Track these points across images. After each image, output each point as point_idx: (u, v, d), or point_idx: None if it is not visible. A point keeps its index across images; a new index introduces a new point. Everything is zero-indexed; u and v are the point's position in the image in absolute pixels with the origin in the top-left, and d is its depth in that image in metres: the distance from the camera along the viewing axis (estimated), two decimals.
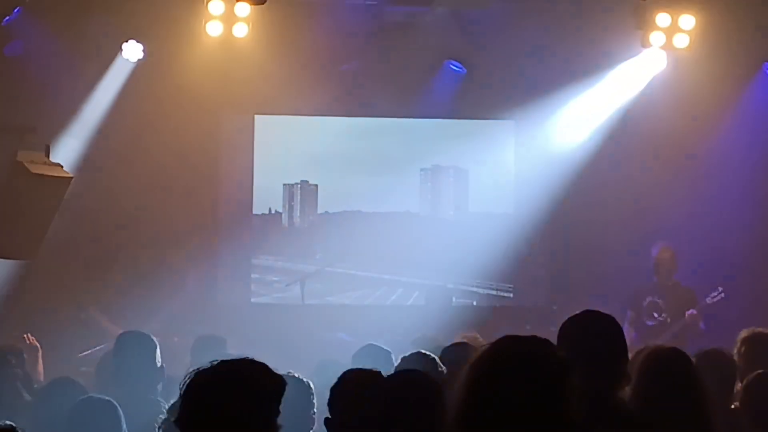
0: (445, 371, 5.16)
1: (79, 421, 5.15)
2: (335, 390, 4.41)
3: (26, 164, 8.99)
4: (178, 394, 3.31)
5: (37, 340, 8.30)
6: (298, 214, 11.85)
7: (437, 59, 11.24)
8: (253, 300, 11.66)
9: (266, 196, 11.79)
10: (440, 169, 11.95)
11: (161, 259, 10.84)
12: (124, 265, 10.52)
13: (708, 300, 9.77)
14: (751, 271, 10.81)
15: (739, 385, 5.61)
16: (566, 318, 4.04)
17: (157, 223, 11.01)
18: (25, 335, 8.30)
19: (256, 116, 11.77)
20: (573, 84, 11.20)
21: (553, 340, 3.98)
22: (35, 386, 6.54)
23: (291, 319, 10.90)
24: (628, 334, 9.86)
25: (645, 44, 10.09)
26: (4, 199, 8.93)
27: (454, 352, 5.62)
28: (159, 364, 6.02)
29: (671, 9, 9.92)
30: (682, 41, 10.02)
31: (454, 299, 11.20)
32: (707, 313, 9.90)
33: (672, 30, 10.00)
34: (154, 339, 6.10)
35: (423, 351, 5.51)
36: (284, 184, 11.79)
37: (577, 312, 4.07)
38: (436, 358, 5.33)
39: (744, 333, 6.38)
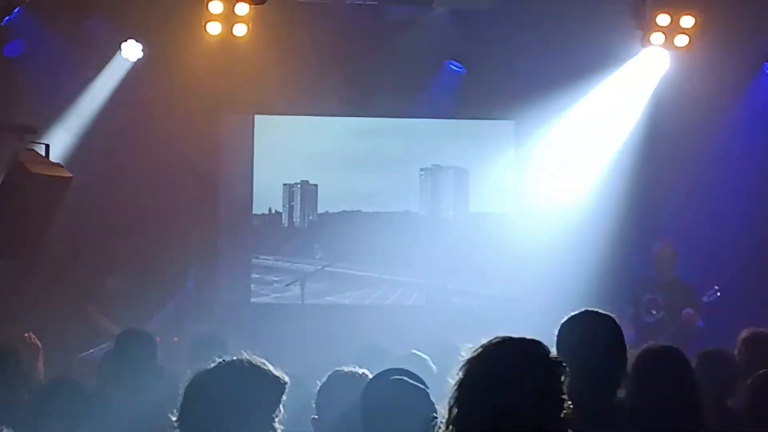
0: (435, 370, 5.20)
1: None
2: (321, 390, 4.43)
3: (26, 164, 8.99)
4: (177, 394, 3.30)
5: (38, 340, 8.30)
6: (298, 214, 11.85)
7: (437, 59, 11.24)
8: (253, 300, 11.67)
9: (266, 196, 11.79)
10: (440, 169, 11.95)
11: (161, 258, 10.83)
12: (124, 265, 10.50)
13: (704, 299, 9.77)
14: (752, 271, 10.81)
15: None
16: (566, 318, 4.03)
17: (157, 223, 11.01)
18: (26, 334, 8.29)
19: (256, 116, 11.77)
20: (573, 84, 11.19)
21: (553, 339, 4.00)
22: (35, 386, 6.53)
23: (291, 319, 10.90)
24: (628, 330, 9.89)
25: (645, 44, 10.08)
26: (4, 199, 8.92)
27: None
28: (159, 364, 6.03)
29: (671, 9, 9.91)
30: (682, 41, 10.02)
31: (454, 299, 11.19)
32: (706, 312, 9.89)
33: (672, 30, 10.00)
34: (154, 338, 6.10)
35: (416, 352, 5.56)
36: (284, 184, 11.79)
37: (577, 312, 4.06)
38: (428, 359, 5.39)
39: (744, 333, 6.38)
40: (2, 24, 9.78)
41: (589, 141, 11.52)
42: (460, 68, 11.27)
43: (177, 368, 6.60)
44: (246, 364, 3.21)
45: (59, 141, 10.07)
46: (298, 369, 5.43)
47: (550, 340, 4.36)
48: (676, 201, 11.22)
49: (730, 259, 10.78)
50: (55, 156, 9.41)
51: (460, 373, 2.90)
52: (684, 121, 11.08)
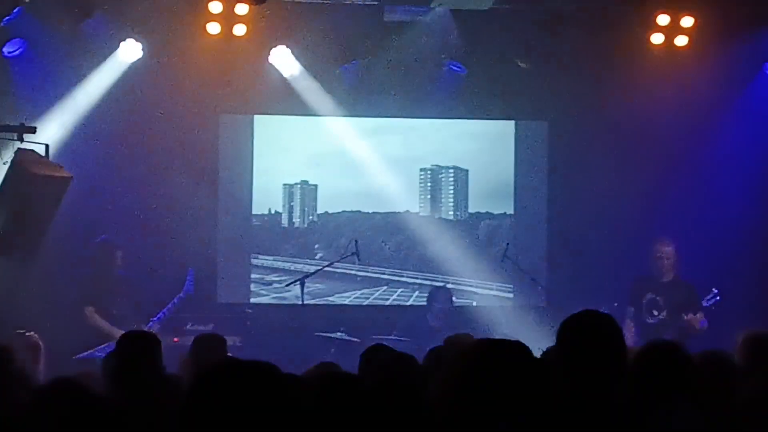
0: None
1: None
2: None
3: (26, 164, 8.99)
4: (178, 395, 3.29)
5: (39, 340, 8.29)
6: (298, 214, 11.85)
7: (437, 59, 11.23)
8: (252, 300, 11.67)
9: (266, 196, 11.79)
10: (440, 169, 11.96)
11: (161, 258, 10.83)
12: (123, 265, 10.50)
13: (704, 303, 9.75)
14: (752, 271, 10.80)
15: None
16: (566, 318, 4.03)
17: (157, 223, 11.00)
18: (27, 334, 8.29)
19: (255, 116, 11.77)
20: (572, 84, 11.19)
21: (554, 340, 4.00)
22: (33, 386, 6.52)
23: (291, 319, 10.89)
24: (629, 329, 9.89)
25: (645, 44, 10.08)
26: (4, 199, 8.92)
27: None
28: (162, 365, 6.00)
29: (671, 9, 9.92)
30: (682, 41, 10.02)
31: (453, 299, 11.19)
32: (706, 313, 9.88)
33: (672, 30, 10.00)
34: (158, 339, 6.06)
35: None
36: (284, 184, 11.79)
37: (576, 312, 4.06)
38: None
39: (744, 334, 6.37)
40: (2, 24, 9.78)
41: (589, 141, 11.52)
42: (460, 68, 11.27)
43: (176, 368, 6.60)
44: (255, 367, 3.18)
45: (58, 140, 10.07)
46: (298, 369, 5.41)
47: (550, 340, 4.37)
48: (676, 200, 11.21)
49: (730, 259, 10.78)
50: (55, 156, 9.41)
51: (444, 374, 2.90)
52: (684, 121, 11.08)
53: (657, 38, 10.00)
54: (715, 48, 10.31)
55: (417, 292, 11.52)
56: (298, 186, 11.83)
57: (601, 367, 3.88)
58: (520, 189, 11.92)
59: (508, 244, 10.96)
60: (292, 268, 11.68)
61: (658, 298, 10.05)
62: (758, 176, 11.05)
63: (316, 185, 11.83)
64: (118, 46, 10.56)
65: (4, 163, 9.08)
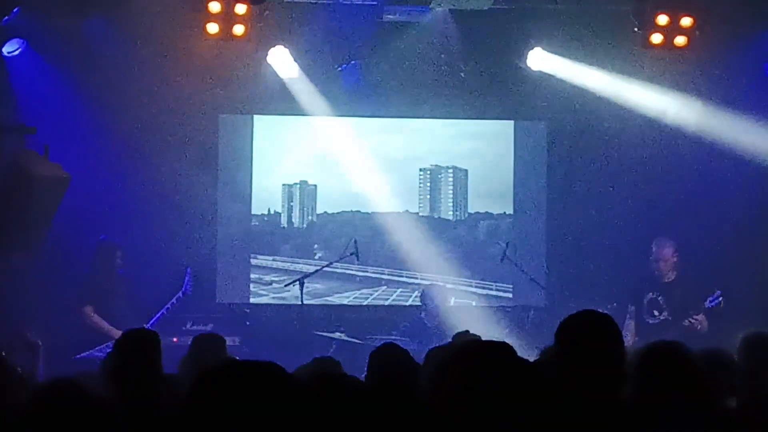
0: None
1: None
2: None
3: (26, 164, 8.99)
4: (178, 395, 3.28)
5: (38, 340, 8.28)
6: (298, 214, 11.85)
7: (437, 59, 11.23)
8: (252, 300, 11.66)
9: (265, 196, 11.79)
10: (440, 169, 11.95)
11: (160, 258, 10.82)
12: (122, 265, 10.50)
13: (707, 304, 9.71)
14: (752, 271, 10.79)
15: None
16: (565, 318, 4.03)
17: (157, 223, 11.00)
18: (27, 333, 8.28)
19: (255, 116, 11.77)
20: (572, 84, 11.19)
21: (552, 339, 3.99)
22: (32, 386, 6.51)
23: (290, 319, 10.89)
24: (630, 328, 9.88)
25: (645, 44, 10.08)
26: (4, 199, 8.92)
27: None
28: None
29: (671, 9, 9.91)
30: (681, 41, 10.01)
31: (453, 299, 11.20)
32: (706, 314, 9.87)
33: (672, 30, 10.00)
34: (159, 338, 6.05)
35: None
36: (283, 185, 11.79)
37: (575, 312, 4.05)
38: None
39: (744, 333, 6.37)
40: (1, 24, 9.78)
41: (588, 141, 11.52)
42: (460, 68, 11.26)
43: (175, 368, 6.59)
44: (255, 366, 3.17)
45: (58, 140, 10.06)
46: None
47: (549, 339, 4.36)
48: (675, 200, 11.22)
49: (731, 259, 10.77)
50: (55, 156, 9.41)
51: (433, 376, 2.90)
52: (684, 121, 11.08)
53: (657, 38, 9.99)
54: (715, 48, 10.30)
55: (416, 292, 11.51)
56: (298, 186, 11.83)
57: (599, 368, 3.88)
58: (520, 189, 11.92)
59: (507, 244, 10.96)
60: (292, 268, 11.68)
61: (659, 298, 10.03)
62: (758, 176, 11.04)
63: (315, 185, 11.83)
64: (117, 46, 10.54)
65: (4, 163, 9.08)
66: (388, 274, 11.80)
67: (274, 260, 11.79)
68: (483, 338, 7.37)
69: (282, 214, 11.84)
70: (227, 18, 9.75)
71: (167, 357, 6.10)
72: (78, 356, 9.45)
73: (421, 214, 11.93)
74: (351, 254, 10.70)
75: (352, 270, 11.62)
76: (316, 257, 11.74)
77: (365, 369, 7.95)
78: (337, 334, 10.34)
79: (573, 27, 10.69)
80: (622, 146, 11.41)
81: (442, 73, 11.33)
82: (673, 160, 11.26)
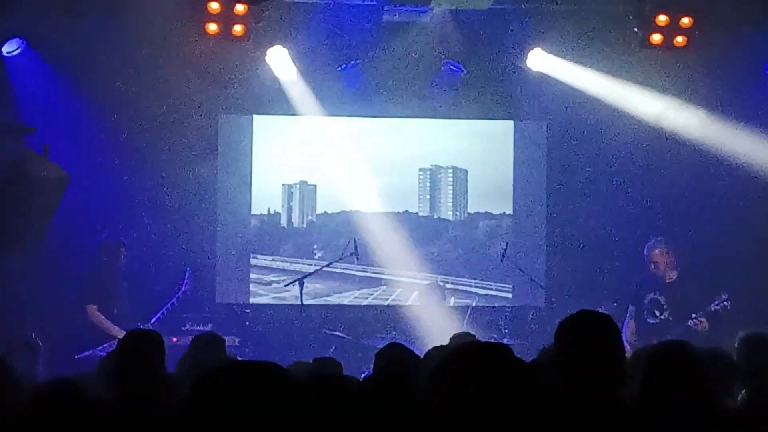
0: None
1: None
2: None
3: (26, 164, 8.99)
4: (175, 395, 3.28)
5: (38, 340, 8.28)
6: (297, 214, 11.85)
7: (437, 59, 11.23)
8: (252, 300, 11.66)
9: (265, 196, 11.79)
10: (439, 169, 11.96)
11: (159, 258, 10.83)
12: (108, 267, 10.47)
13: (712, 307, 9.65)
14: (752, 271, 10.79)
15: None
16: (564, 318, 4.03)
17: (156, 223, 11.00)
18: (27, 333, 8.28)
19: (254, 116, 11.77)
20: (573, 82, 11.19)
21: (551, 339, 4.00)
22: (32, 387, 6.50)
23: (290, 319, 10.90)
24: (630, 329, 9.87)
25: (645, 44, 10.08)
26: (4, 199, 8.92)
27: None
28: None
29: (671, 9, 9.91)
30: (681, 41, 10.02)
31: (453, 299, 11.20)
32: (709, 317, 9.85)
33: (671, 30, 10.00)
34: (163, 339, 6.03)
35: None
36: (283, 185, 11.79)
37: (574, 312, 4.05)
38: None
39: (743, 333, 6.37)
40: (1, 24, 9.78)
41: (588, 141, 11.52)
42: (460, 68, 11.27)
43: (175, 369, 6.59)
44: (256, 367, 3.17)
45: (58, 140, 10.06)
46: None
47: (548, 339, 4.37)
48: (675, 200, 11.22)
49: (730, 259, 10.78)
50: (55, 156, 9.41)
51: (431, 377, 2.90)
52: (683, 121, 11.09)
53: (657, 38, 10.00)
54: (715, 48, 10.31)
55: (416, 293, 11.51)
56: (297, 186, 11.83)
57: (599, 368, 3.88)
58: (519, 189, 11.92)
59: (507, 243, 10.97)
60: (291, 268, 11.68)
61: (660, 298, 10.02)
62: (758, 176, 11.04)
63: (315, 185, 11.83)
64: (117, 45, 10.54)
65: (3, 164, 9.08)
66: (388, 274, 11.80)
67: (273, 260, 11.79)
68: (482, 338, 7.38)
69: (282, 214, 11.84)
70: (227, 18, 9.75)
71: (167, 357, 6.10)
72: (80, 356, 9.44)
73: (420, 214, 11.93)
74: (351, 254, 10.70)
75: (351, 270, 11.62)
76: (316, 257, 11.74)
77: (364, 369, 7.97)
78: (337, 334, 10.34)
79: (573, 27, 10.69)
80: (622, 146, 11.40)
81: (442, 73, 11.33)
82: (673, 160, 11.26)
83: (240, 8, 9.69)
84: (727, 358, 5.71)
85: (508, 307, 11.51)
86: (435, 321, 10.45)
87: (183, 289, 10.36)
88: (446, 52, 11.14)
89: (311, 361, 6.19)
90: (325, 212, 11.84)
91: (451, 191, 11.96)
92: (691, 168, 11.13)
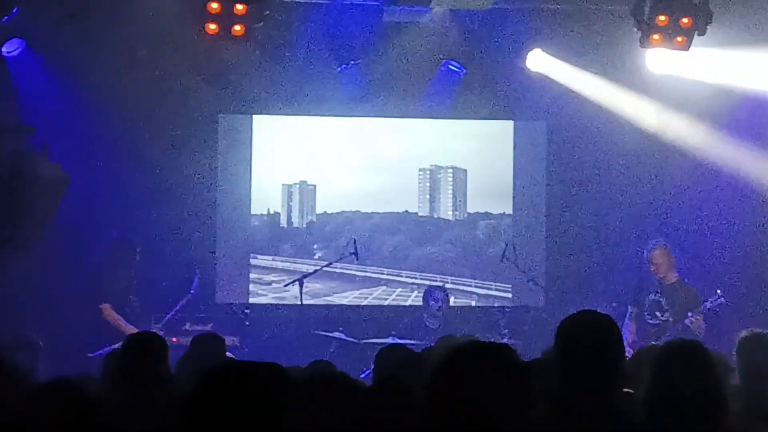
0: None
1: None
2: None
3: (25, 164, 8.99)
4: (175, 395, 3.28)
5: (39, 339, 8.28)
6: (297, 214, 11.85)
7: (437, 59, 11.23)
8: (251, 300, 11.66)
9: (265, 196, 11.79)
10: (439, 169, 11.96)
11: (160, 258, 10.83)
12: (122, 265, 10.49)
13: (708, 304, 9.69)
14: (752, 271, 10.80)
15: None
16: (565, 318, 4.03)
17: (156, 223, 11.00)
18: (27, 333, 8.28)
19: (254, 116, 11.77)
20: (572, 84, 11.20)
21: (552, 340, 4.00)
22: (30, 386, 6.49)
23: (290, 319, 10.90)
24: (630, 329, 9.88)
25: (645, 44, 10.08)
26: (4, 199, 8.92)
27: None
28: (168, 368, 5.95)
29: (671, 9, 9.91)
30: (681, 41, 10.01)
31: (453, 299, 11.20)
32: (707, 315, 9.86)
33: (671, 30, 9.99)
34: (165, 342, 6.02)
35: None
36: (283, 185, 11.79)
37: (574, 312, 4.05)
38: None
39: (743, 334, 6.37)
40: (1, 24, 9.77)
41: (587, 141, 11.53)
42: (460, 68, 11.27)
43: (176, 369, 6.59)
44: (256, 367, 3.17)
45: (58, 140, 10.06)
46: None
47: (548, 339, 4.37)
48: (675, 200, 11.22)
49: (730, 260, 10.78)
50: (55, 156, 9.41)
51: (430, 383, 2.89)
52: (683, 121, 11.09)
53: (657, 38, 9.99)
54: (715, 48, 10.30)
55: (415, 292, 11.52)
56: (297, 186, 11.83)
57: (599, 368, 3.87)
58: (519, 189, 11.92)
59: (507, 244, 10.97)
60: (291, 268, 11.68)
61: (661, 299, 10.02)
62: (757, 176, 11.04)
63: (314, 185, 11.83)
64: (117, 45, 10.54)
65: (3, 163, 9.08)
66: (388, 274, 11.80)
67: (273, 260, 11.80)
68: (482, 338, 7.38)
69: (281, 214, 11.85)
70: (227, 18, 9.73)
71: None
72: (94, 354, 9.38)
73: (420, 214, 11.93)
74: (350, 254, 10.71)
75: (351, 270, 11.62)
76: (316, 257, 11.74)
77: (363, 369, 7.97)
78: (336, 334, 10.35)
79: (573, 27, 10.69)
80: (622, 146, 11.41)
81: (442, 74, 11.33)
82: (673, 160, 11.26)
83: (240, 8, 9.68)
84: (724, 359, 5.70)
85: (508, 307, 11.50)
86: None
87: (192, 293, 10.38)
88: (446, 52, 11.14)
89: (309, 362, 6.18)
90: (325, 212, 11.84)
91: (450, 191, 11.96)
92: (691, 168, 11.13)
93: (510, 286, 11.76)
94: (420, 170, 11.95)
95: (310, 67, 11.09)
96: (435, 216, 11.95)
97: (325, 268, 11.11)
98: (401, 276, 11.82)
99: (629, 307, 10.13)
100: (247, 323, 10.77)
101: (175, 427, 3.27)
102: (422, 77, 11.38)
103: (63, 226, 9.62)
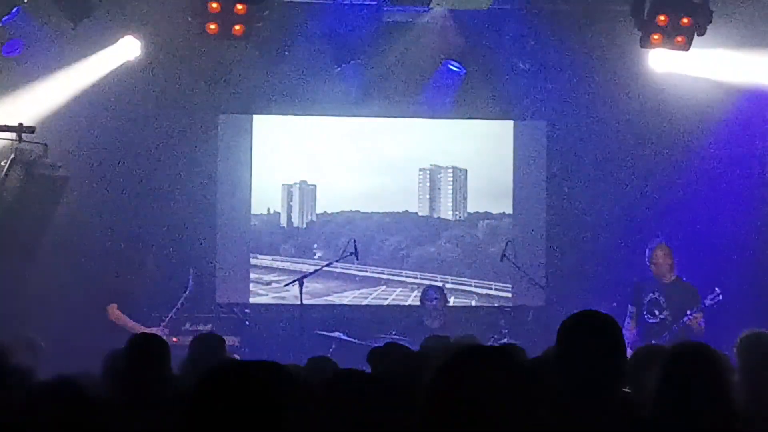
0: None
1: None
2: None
3: (25, 164, 8.99)
4: (175, 395, 3.28)
5: (39, 340, 8.28)
6: (297, 213, 11.85)
7: (437, 59, 11.24)
8: (252, 300, 11.66)
9: (265, 196, 11.79)
10: (439, 169, 11.96)
11: (160, 259, 10.82)
12: (122, 265, 10.48)
13: (706, 302, 9.72)
14: (752, 271, 10.80)
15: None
16: (565, 318, 4.03)
17: (156, 223, 11.00)
18: (27, 333, 8.28)
19: (254, 116, 11.77)
20: (572, 83, 11.20)
21: (552, 339, 4.00)
22: (30, 385, 6.49)
23: (290, 319, 10.90)
24: (630, 329, 9.88)
25: (645, 44, 10.08)
26: (4, 199, 8.92)
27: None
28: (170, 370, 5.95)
29: (671, 9, 9.91)
30: (681, 41, 10.01)
31: (452, 299, 11.20)
32: (706, 313, 9.87)
33: (671, 30, 10.00)
34: (167, 344, 6.02)
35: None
36: (283, 184, 11.79)
37: (576, 312, 4.05)
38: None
39: (743, 333, 6.37)
40: (0, 24, 9.77)
41: (587, 141, 11.53)
42: (460, 68, 11.27)
43: (175, 369, 6.59)
44: (258, 367, 3.16)
45: (58, 139, 10.05)
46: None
47: (548, 339, 4.37)
48: (675, 200, 11.22)
49: (730, 259, 10.78)
50: (55, 156, 9.40)
51: (430, 385, 2.88)
52: (683, 121, 11.09)
53: (657, 38, 9.99)
54: (715, 48, 10.31)
55: (415, 292, 11.52)
56: (297, 186, 11.83)
57: (601, 367, 3.87)
58: (519, 189, 11.92)
59: (506, 243, 10.97)
60: (291, 267, 11.69)
61: (660, 298, 10.03)
62: (757, 176, 11.05)
63: (315, 185, 11.83)
64: (116, 45, 10.55)
65: (3, 163, 9.07)
66: (388, 274, 11.81)
67: (273, 260, 11.80)
68: (482, 338, 7.38)
69: (282, 214, 11.85)
70: (227, 17, 9.74)
71: None
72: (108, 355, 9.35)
73: (420, 214, 11.94)
74: (350, 254, 10.71)
75: (351, 270, 11.63)
76: (316, 257, 11.74)
77: (364, 368, 7.95)
78: (336, 334, 10.35)
79: (573, 27, 10.69)
80: (622, 146, 11.41)
81: (442, 73, 11.33)
82: (673, 160, 11.26)
83: (240, 8, 9.68)
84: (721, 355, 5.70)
85: (508, 307, 11.51)
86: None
87: (188, 289, 10.37)
88: (446, 51, 11.14)
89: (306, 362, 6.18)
90: (325, 212, 11.85)
91: (450, 191, 11.96)
92: (691, 168, 11.13)
93: (510, 285, 11.76)
94: (420, 170, 11.95)
95: (310, 67, 11.09)
96: (435, 216, 11.95)
97: (325, 268, 11.12)
98: (401, 276, 11.82)
99: (629, 306, 10.14)
100: (247, 323, 10.78)
101: (175, 427, 3.26)
102: (422, 77, 11.39)
103: (63, 226, 9.62)
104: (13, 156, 9.05)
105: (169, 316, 10.18)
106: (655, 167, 11.42)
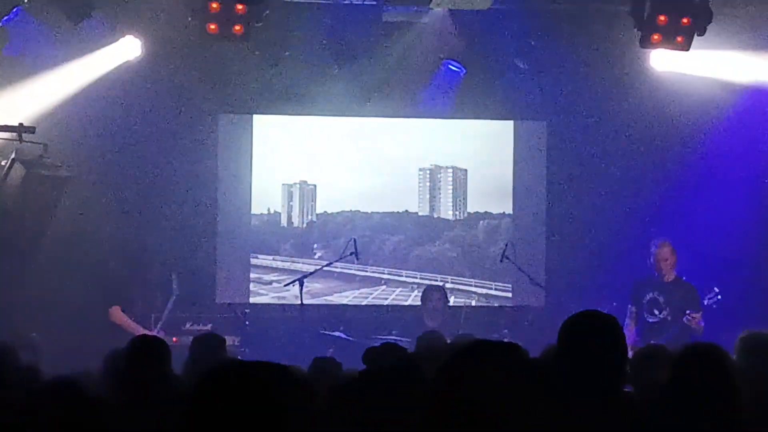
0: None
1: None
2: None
3: (25, 164, 9.00)
4: (175, 394, 3.28)
5: (39, 340, 8.29)
6: (297, 213, 11.86)
7: (437, 59, 11.24)
8: (252, 300, 11.67)
9: (265, 196, 11.79)
10: (439, 169, 11.96)
11: (160, 258, 10.82)
12: (122, 265, 10.47)
13: (705, 302, 9.73)
14: (752, 271, 10.80)
15: None
16: (566, 318, 4.03)
17: (156, 223, 11.00)
18: (28, 333, 8.29)
19: (254, 116, 11.77)
20: (572, 83, 11.20)
21: (552, 339, 4.00)
22: (32, 385, 6.49)
23: (290, 319, 10.90)
24: (630, 328, 9.88)
25: (645, 44, 10.08)
26: (4, 199, 8.92)
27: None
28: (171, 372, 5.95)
29: (671, 9, 9.91)
30: (681, 41, 10.01)
31: (452, 299, 11.20)
32: (707, 314, 9.87)
33: (671, 30, 10.00)
34: (168, 346, 6.02)
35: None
36: (283, 184, 11.80)
37: (577, 312, 4.05)
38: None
39: (743, 334, 6.37)
40: (0, 24, 9.77)
41: (587, 141, 11.53)
42: (460, 68, 11.27)
43: (175, 369, 6.58)
44: (259, 367, 3.16)
45: (58, 139, 10.05)
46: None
47: (548, 339, 4.37)
48: (675, 200, 11.22)
49: (730, 259, 10.78)
50: (54, 156, 9.41)
51: (435, 382, 2.88)
52: (683, 120, 11.10)
53: (657, 38, 9.99)
54: (715, 48, 10.31)
55: (415, 292, 11.52)
56: (297, 186, 11.83)
57: (602, 367, 3.87)
58: (519, 189, 11.92)
59: (506, 243, 10.97)
60: (291, 267, 11.69)
61: (659, 297, 10.03)
62: (757, 176, 11.05)
63: (315, 185, 11.84)
64: (116, 45, 10.55)
65: (3, 163, 9.08)
66: (388, 274, 11.81)
67: (273, 260, 11.80)
68: (480, 338, 7.35)
69: (282, 214, 11.85)
70: (227, 17, 9.74)
71: None
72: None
73: (420, 213, 11.94)
74: (350, 254, 10.71)
75: (351, 270, 11.63)
76: (316, 257, 11.75)
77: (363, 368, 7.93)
78: (337, 334, 10.35)
79: (573, 27, 10.69)
80: (622, 146, 11.41)
81: (442, 73, 11.33)
82: (673, 159, 11.27)
83: (239, 8, 9.68)
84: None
85: (508, 307, 11.52)
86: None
87: (174, 293, 10.34)
88: (446, 52, 11.14)
89: (310, 362, 6.18)
90: (325, 212, 11.85)
91: (450, 191, 11.97)
92: (691, 168, 11.13)
93: (510, 285, 11.76)
94: (420, 170, 11.95)
95: (310, 67, 11.09)
96: (435, 216, 11.96)
97: (325, 268, 11.12)
98: (401, 276, 11.82)
99: (629, 306, 10.14)
100: (247, 323, 10.77)
101: (175, 428, 3.26)
102: (422, 77, 11.38)
103: (63, 226, 9.62)
104: (13, 156, 9.07)
105: (161, 321, 10.15)
106: (655, 167, 11.42)
